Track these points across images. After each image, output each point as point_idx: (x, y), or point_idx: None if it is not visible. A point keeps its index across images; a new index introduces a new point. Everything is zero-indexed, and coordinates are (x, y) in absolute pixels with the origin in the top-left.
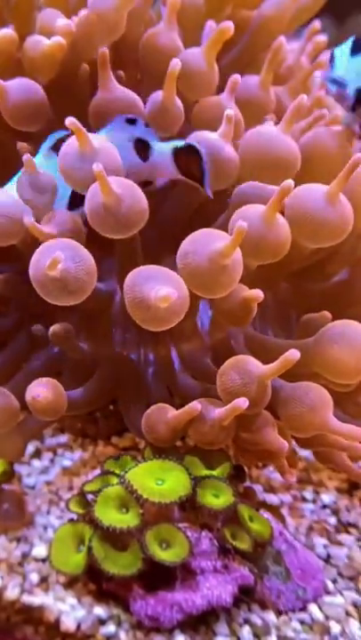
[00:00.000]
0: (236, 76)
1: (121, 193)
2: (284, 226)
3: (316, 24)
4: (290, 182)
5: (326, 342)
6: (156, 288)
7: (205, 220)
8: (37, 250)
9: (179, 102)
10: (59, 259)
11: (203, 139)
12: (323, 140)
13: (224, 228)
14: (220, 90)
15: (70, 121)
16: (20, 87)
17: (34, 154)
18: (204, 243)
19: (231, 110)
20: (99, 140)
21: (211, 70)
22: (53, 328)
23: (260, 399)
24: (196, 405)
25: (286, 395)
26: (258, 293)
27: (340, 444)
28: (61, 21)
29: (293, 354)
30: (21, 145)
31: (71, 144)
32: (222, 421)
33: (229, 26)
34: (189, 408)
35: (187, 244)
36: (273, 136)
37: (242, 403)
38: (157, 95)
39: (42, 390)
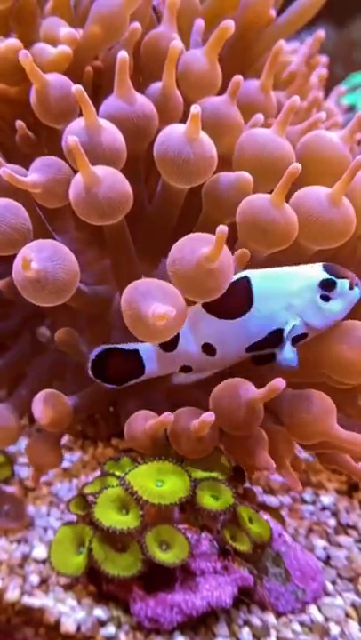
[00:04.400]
0: (238, 77)
1: (101, 175)
2: (291, 210)
3: (321, 33)
4: (297, 166)
5: (333, 341)
6: (154, 306)
7: (195, 215)
8: (20, 252)
9: (177, 92)
10: (29, 257)
11: (168, 137)
12: (320, 143)
13: (208, 223)
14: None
15: (77, 88)
16: (58, 83)
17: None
18: (190, 249)
19: (197, 107)
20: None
21: (213, 70)
22: (58, 333)
23: (250, 422)
24: (168, 417)
25: (290, 403)
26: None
27: (345, 446)
28: (65, 30)
29: (279, 383)
30: (20, 124)
31: (77, 121)
32: (197, 433)
33: (230, 24)
34: (163, 418)
35: (174, 251)
36: (267, 138)
37: (208, 417)
38: (156, 85)
39: (44, 410)
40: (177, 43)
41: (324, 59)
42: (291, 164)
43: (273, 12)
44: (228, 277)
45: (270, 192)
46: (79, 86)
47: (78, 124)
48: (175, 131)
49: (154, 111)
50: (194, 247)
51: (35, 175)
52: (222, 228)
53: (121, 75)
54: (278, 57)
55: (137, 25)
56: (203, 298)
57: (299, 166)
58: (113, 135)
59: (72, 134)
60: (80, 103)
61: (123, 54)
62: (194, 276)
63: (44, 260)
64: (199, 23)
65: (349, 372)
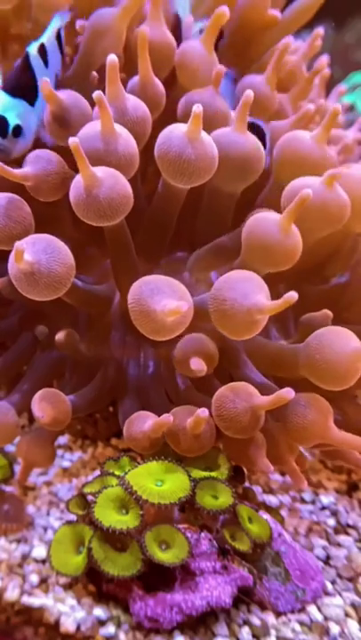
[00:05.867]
0: (220, 67)
1: (102, 176)
2: (298, 234)
3: (320, 31)
4: (308, 192)
5: (313, 351)
6: (164, 302)
7: (190, 212)
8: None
9: (155, 79)
10: (20, 248)
11: (169, 137)
12: (298, 141)
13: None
14: None
15: (97, 94)
16: (74, 100)
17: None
18: (244, 293)
19: (200, 107)
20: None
21: (210, 58)
22: (58, 336)
23: (252, 428)
24: (168, 417)
25: (288, 409)
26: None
27: (342, 447)
28: None
29: (288, 393)
30: None
31: (92, 124)
32: (193, 431)
33: (224, 11)
34: (163, 419)
35: (225, 290)
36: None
37: (202, 413)
38: (136, 77)
39: (45, 408)
40: (144, 28)
41: (325, 58)
42: (256, 160)
43: (275, 12)
44: (265, 322)
45: None
46: (99, 92)
47: (93, 129)
48: (176, 130)
49: (147, 112)
50: (247, 291)
51: (26, 168)
52: (292, 295)
53: (112, 79)
54: (285, 53)
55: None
56: (237, 337)
57: (310, 192)
58: (128, 142)
59: (87, 139)
60: (99, 108)
61: (112, 58)
62: (240, 320)
63: (37, 252)
64: (189, 21)
65: (329, 380)
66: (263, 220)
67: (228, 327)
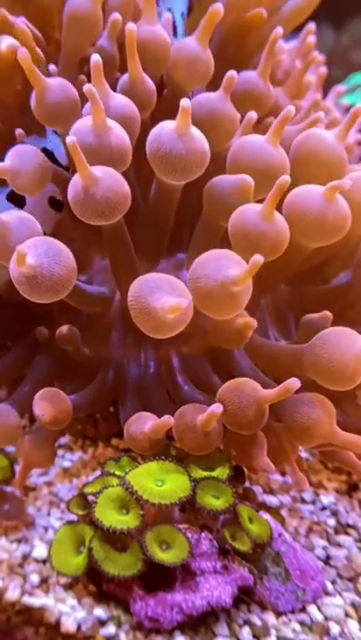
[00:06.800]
0: (231, 72)
1: (100, 175)
2: (282, 221)
3: (311, 26)
4: (286, 178)
5: (320, 350)
6: (164, 299)
7: (189, 212)
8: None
9: (145, 76)
10: (23, 252)
11: (159, 134)
12: (315, 142)
13: (208, 225)
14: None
15: (88, 87)
16: (59, 86)
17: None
18: (217, 268)
19: (187, 101)
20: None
21: (206, 55)
22: (60, 330)
23: (257, 422)
24: (168, 419)
25: (292, 409)
26: (252, 322)
27: (345, 447)
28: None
29: (294, 383)
30: (20, 132)
31: (84, 119)
32: (205, 427)
33: (219, 8)
34: (163, 420)
35: (198, 267)
36: (261, 147)
37: (216, 408)
38: (126, 75)
39: (45, 407)
40: (131, 26)
41: (321, 57)
42: (282, 173)
43: (261, 10)
44: (247, 299)
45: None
46: (90, 85)
47: (85, 123)
48: (166, 127)
49: (134, 111)
50: (220, 266)
51: (5, 162)
52: (258, 258)
53: (96, 78)
54: (275, 43)
55: (117, 15)
56: (219, 316)
57: (288, 178)
58: (120, 135)
59: (80, 134)
60: (90, 101)
61: (96, 57)
62: (216, 295)
63: (39, 255)
64: (167, 17)
65: (335, 379)
66: (246, 211)
67: (208, 305)
